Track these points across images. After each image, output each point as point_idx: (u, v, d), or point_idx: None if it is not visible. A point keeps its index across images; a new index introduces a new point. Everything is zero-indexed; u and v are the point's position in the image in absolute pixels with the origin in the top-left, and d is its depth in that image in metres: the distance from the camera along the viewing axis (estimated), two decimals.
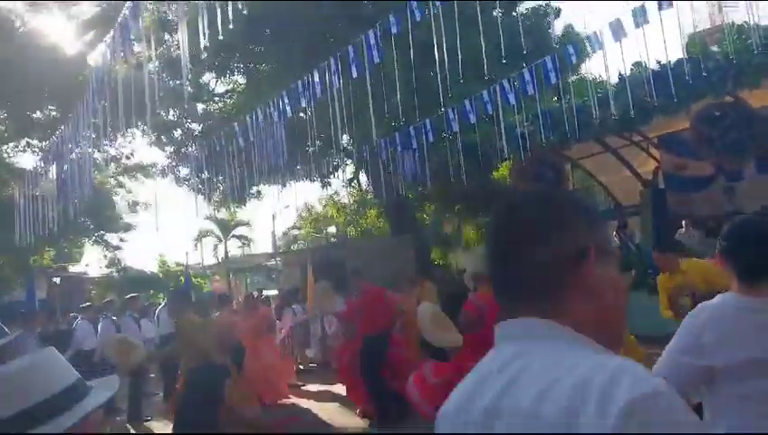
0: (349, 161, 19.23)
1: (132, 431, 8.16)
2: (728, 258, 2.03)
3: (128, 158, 23.10)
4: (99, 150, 17.30)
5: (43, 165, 11.85)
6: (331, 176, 18.85)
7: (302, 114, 11.93)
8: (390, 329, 6.92)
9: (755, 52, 7.83)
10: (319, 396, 9.29)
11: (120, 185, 27.10)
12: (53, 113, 18.76)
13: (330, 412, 7.92)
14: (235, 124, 9.94)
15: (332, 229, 31.20)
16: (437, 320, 5.21)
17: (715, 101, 10.46)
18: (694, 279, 5.59)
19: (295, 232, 33.20)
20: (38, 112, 19.55)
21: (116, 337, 7.41)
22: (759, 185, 12.31)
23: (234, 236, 36.26)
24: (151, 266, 33.76)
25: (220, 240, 35.90)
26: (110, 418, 4.26)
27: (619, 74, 9.39)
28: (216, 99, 20.08)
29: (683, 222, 12.14)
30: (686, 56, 8.16)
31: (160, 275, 30.95)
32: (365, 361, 6.88)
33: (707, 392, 1.98)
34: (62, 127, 10.14)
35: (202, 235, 35.10)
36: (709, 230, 11.46)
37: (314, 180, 17.97)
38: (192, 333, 6.19)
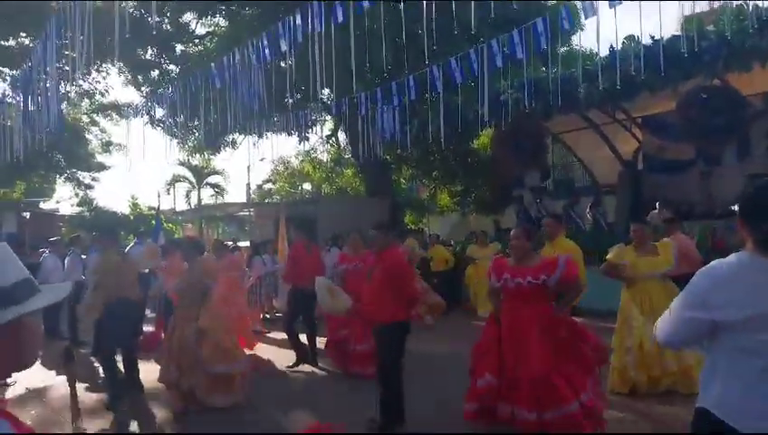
0: (328, 117, 18.89)
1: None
2: (746, 222, 2.06)
3: (102, 94, 22.42)
4: (71, 84, 16.72)
5: (11, 93, 11.47)
6: (309, 131, 18.48)
7: (282, 63, 11.57)
8: None
9: (750, 31, 7.71)
10: (282, 344, 9.27)
11: (94, 123, 26.44)
12: (26, 42, 18.02)
13: (289, 360, 7.87)
14: (213, 66, 9.54)
15: (308, 186, 30.91)
16: (332, 290, 5.58)
17: (703, 84, 10.38)
18: (664, 259, 5.78)
19: (270, 186, 32.82)
20: (10, 40, 18.80)
21: None
22: (735, 172, 12.38)
23: (207, 184, 35.75)
24: (123, 208, 33.31)
25: (194, 187, 35.39)
26: (69, 363, 4.13)
27: (611, 47, 9.22)
28: (196, 41, 19.45)
29: (656, 204, 12.18)
30: (682, 33, 7.97)
31: (131, 217, 30.53)
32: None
33: (709, 345, 2.08)
34: (32, 55, 9.69)
35: (175, 179, 34.56)
36: (681, 213, 11.52)
37: (292, 134, 17.60)
38: (110, 270, 6.23)
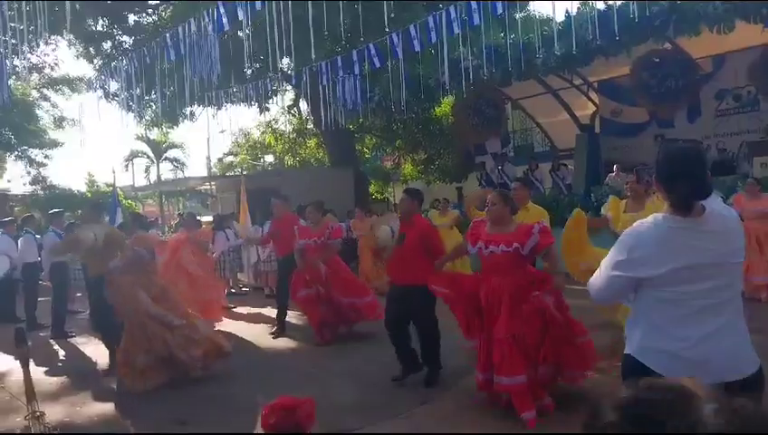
0: (289, 87, 18.65)
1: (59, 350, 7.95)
2: (663, 186, 2.20)
3: (51, 68, 21.63)
4: (17, 56, 16.09)
5: None
6: (270, 101, 18.24)
7: (239, 33, 11.37)
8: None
9: None
10: (248, 318, 9.35)
11: (45, 98, 25.53)
12: None
13: (257, 335, 7.94)
14: (167, 36, 9.32)
15: (270, 158, 30.57)
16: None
17: (655, 47, 10.63)
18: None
19: (231, 158, 32.34)
20: None
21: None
22: (687, 133, 12.79)
23: (166, 158, 35.02)
24: (79, 185, 32.43)
25: (152, 162, 34.64)
26: (21, 345, 4.09)
27: (566, 12, 9.36)
28: (150, 11, 18.87)
29: (614, 166, 12.51)
30: None
31: (89, 195, 29.76)
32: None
33: (634, 298, 2.27)
34: None
35: (133, 155, 33.74)
36: (638, 170, 11.87)
37: (252, 105, 17.35)
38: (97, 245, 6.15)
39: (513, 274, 4.27)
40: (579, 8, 9.32)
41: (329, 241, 7.18)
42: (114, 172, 16.07)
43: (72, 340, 8.37)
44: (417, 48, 8.44)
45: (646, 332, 2.21)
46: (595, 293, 2.39)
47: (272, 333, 7.82)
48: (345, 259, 8.15)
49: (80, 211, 24.31)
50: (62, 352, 7.84)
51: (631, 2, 8.17)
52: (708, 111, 12.55)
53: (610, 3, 8.61)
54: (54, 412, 5.13)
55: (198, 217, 14.13)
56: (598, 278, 2.35)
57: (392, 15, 6.51)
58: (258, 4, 6.96)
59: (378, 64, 9.24)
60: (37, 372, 6.69)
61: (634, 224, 2.27)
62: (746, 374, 2.10)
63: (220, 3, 7.56)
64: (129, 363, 5.55)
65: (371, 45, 8.94)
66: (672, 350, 2.12)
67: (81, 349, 7.79)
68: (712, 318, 2.12)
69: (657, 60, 10.89)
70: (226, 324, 8.71)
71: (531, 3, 14.56)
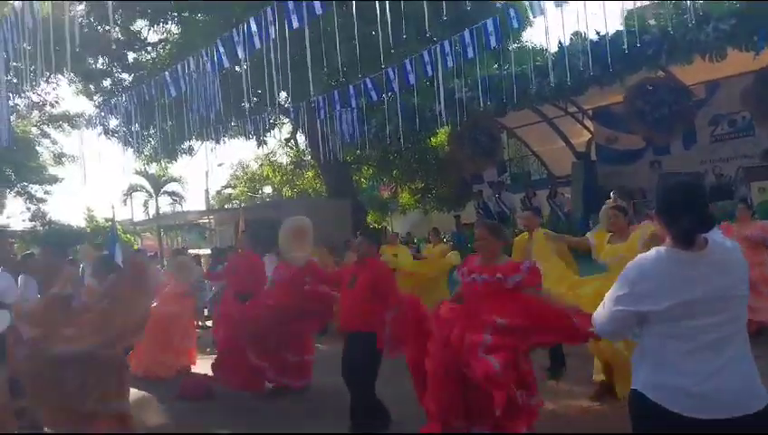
0: (286, 120, 18.82)
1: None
2: (663, 219, 2.22)
3: (52, 105, 21.83)
4: (19, 95, 16.24)
5: None
6: (268, 134, 18.39)
7: (237, 68, 11.53)
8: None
9: (689, 26, 8.07)
10: None
11: (45, 135, 25.70)
12: None
13: None
14: (167, 74, 9.44)
15: (268, 190, 30.66)
16: None
17: (649, 75, 10.77)
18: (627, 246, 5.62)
19: (229, 191, 32.42)
20: None
21: None
22: (684, 159, 12.88)
23: (165, 192, 35.06)
24: (78, 221, 32.43)
25: (151, 196, 34.68)
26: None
27: (559, 43, 9.50)
28: (149, 48, 19.12)
29: (611, 193, 12.53)
30: (624, 28, 8.30)
31: (88, 230, 29.75)
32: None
33: (640, 333, 2.26)
34: None
35: (132, 189, 33.79)
36: (635, 202, 11.93)
37: (250, 138, 17.50)
38: None
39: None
40: (572, 39, 9.44)
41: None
42: (114, 208, 15.97)
43: None
44: (413, 81, 8.55)
45: (653, 367, 2.19)
46: (599, 327, 2.39)
47: None
48: None
49: (78, 247, 24.34)
50: None
51: (624, 30, 8.31)
52: (704, 136, 12.65)
53: (603, 33, 8.71)
54: None
55: (185, 250, 14.05)
56: (601, 313, 2.35)
57: (392, 51, 6.61)
58: (257, 42, 7.06)
59: (375, 98, 9.34)
60: None
61: (636, 257, 2.27)
62: (755, 410, 2.07)
63: (219, 41, 7.68)
64: None
65: (368, 79, 9.07)
66: (680, 385, 2.10)
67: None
68: (719, 352, 2.10)
69: (651, 87, 11.02)
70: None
71: (524, 34, 14.75)
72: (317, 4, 6.47)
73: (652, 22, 8.84)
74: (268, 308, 6.37)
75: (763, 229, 7.43)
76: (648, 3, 12.36)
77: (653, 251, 2.23)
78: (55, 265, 6.09)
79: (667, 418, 2.09)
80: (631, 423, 2.26)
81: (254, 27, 7.08)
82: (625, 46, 7.42)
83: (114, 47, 15.57)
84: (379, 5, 6.57)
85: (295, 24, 6.63)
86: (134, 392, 6.12)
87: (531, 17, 7.43)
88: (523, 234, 6.33)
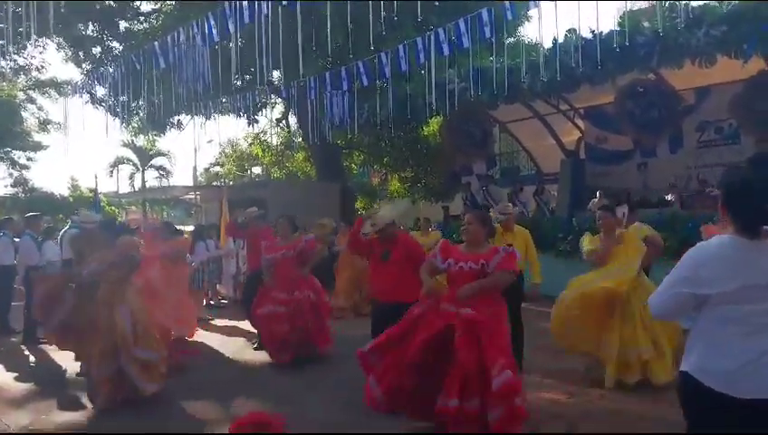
0: (278, 100, 18.70)
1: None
2: (729, 210, 2.35)
3: (38, 70, 21.50)
4: (3, 57, 15.98)
5: None
6: (259, 114, 18.27)
7: (230, 44, 11.42)
8: None
9: (679, 28, 8.08)
10: (226, 331, 9.23)
11: (31, 100, 25.36)
12: None
13: (233, 348, 7.85)
14: (156, 45, 9.32)
15: (258, 170, 30.52)
16: None
17: (640, 77, 10.80)
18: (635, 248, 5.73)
19: (218, 169, 32.23)
20: None
21: None
22: (669, 163, 12.96)
23: (152, 166, 34.85)
24: (62, 190, 32.13)
25: (138, 169, 34.42)
26: None
27: (554, 39, 9.49)
28: (142, 18, 18.87)
29: (597, 193, 12.62)
30: (616, 29, 8.31)
31: (71, 199, 29.46)
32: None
33: (696, 317, 2.35)
34: None
35: (119, 161, 33.52)
36: (621, 202, 11.98)
37: (240, 116, 17.36)
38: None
39: (481, 297, 4.10)
40: (566, 35, 9.43)
41: (305, 253, 7.02)
42: (97, 178, 15.76)
43: (44, 346, 8.23)
44: (405, 68, 8.50)
45: (705, 350, 2.29)
46: (656, 308, 2.48)
47: (255, 348, 7.65)
48: (324, 273, 8.06)
49: (60, 215, 24.12)
50: (32, 358, 7.70)
51: (617, 31, 8.32)
52: (690, 141, 12.73)
53: (596, 32, 8.70)
54: (18, 419, 5.04)
55: (180, 227, 13.98)
56: (659, 294, 2.45)
57: (383, 33, 6.55)
58: (247, 17, 6.98)
59: (365, 83, 9.29)
60: (5, 377, 6.61)
61: (699, 243, 2.43)
62: None
63: (210, 15, 7.58)
64: (102, 374, 5.28)
65: (360, 63, 9.00)
66: (732, 368, 2.19)
67: (52, 356, 7.64)
68: None
69: (642, 89, 11.06)
70: (204, 337, 8.59)
71: (520, 28, 14.72)
72: None
73: (646, 24, 8.84)
74: None
75: None
76: (644, 4, 12.35)
77: (715, 238, 2.38)
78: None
79: (717, 399, 2.19)
80: (682, 405, 2.37)
81: (245, 2, 7.00)
82: (616, 46, 7.41)
83: (105, 14, 15.28)
84: None
85: (285, 2, 6.55)
86: None
87: (526, 10, 7.40)
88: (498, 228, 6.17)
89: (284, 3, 6.56)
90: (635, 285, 5.41)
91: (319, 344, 6.95)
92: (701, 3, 8.87)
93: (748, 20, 8.00)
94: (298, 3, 6.43)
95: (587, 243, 5.93)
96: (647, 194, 12.76)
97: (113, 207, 28.42)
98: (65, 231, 9.84)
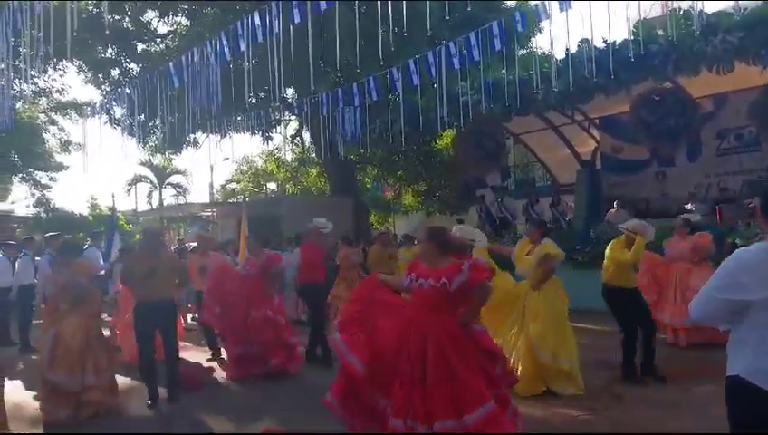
0: (292, 117, 18.82)
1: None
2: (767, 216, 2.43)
3: (59, 92, 21.86)
4: (26, 81, 16.27)
5: None
6: (273, 130, 18.40)
7: (244, 63, 11.53)
8: None
9: (695, 35, 7.99)
10: None
11: (53, 122, 25.78)
12: None
13: None
14: (171, 66, 9.43)
15: (272, 186, 30.70)
16: None
17: (655, 86, 10.69)
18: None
19: (234, 185, 32.48)
20: None
21: None
22: (688, 172, 12.81)
23: (169, 184, 35.20)
24: (82, 209, 32.54)
25: (155, 187, 34.80)
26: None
27: (566, 50, 9.43)
28: (158, 40, 19.16)
29: (614, 203, 12.50)
30: (630, 38, 8.25)
31: (90, 218, 29.84)
32: None
33: (737, 322, 2.37)
34: None
35: (136, 180, 33.91)
36: (638, 212, 11.86)
37: (255, 133, 17.50)
38: None
39: (441, 313, 3.93)
40: (579, 46, 9.37)
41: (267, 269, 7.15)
42: (114, 196, 15.96)
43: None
44: (416, 82, 8.50)
45: (755, 353, 2.30)
46: (695, 313, 2.50)
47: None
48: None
49: (80, 234, 24.40)
50: None
51: (631, 40, 8.25)
52: (709, 149, 12.57)
53: (609, 42, 8.64)
54: None
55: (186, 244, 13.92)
56: (699, 301, 2.47)
57: (392, 49, 6.56)
58: (260, 36, 7.04)
59: (375, 97, 9.30)
60: (24, 395, 6.62)
61: (738, 250, 2.42)
62: None
63: (223, 34, 7.66)
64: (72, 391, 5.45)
65: (371, 78, 9.02)
66: None
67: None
68: None
69: (657, 98, 10.93)
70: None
71: (532, 39, 14.67)
72: (321, 3, 6.44)
73: (660, 32, 8.76)
74: None
75: None
76: (657, 12, 12.26)
77: (755, 245, 2.40)
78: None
79: (765, 398, 2.23)
80: (729, 408, 2.39)
81: (257, 21, 7.06)
82: (632, 55, 7.34)
83: (123, 37, 15.51)
84: (382, 6, 6.52)
85: (297, 20, 6.59)
86: (124, 382, 6.16)
87: (537, 21, 7.36)
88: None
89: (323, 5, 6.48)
90: None
91: (285, 364, 6.82)
92: (715, 10, 8.78)
93: (765, 26, 7.90)
94: (308, 20, 6.46)
95: (519, 245, 6.18)
96: (666, 203, 12.60)
97: (131, 226, 28.70)
98: (86, 249, 9.99)
